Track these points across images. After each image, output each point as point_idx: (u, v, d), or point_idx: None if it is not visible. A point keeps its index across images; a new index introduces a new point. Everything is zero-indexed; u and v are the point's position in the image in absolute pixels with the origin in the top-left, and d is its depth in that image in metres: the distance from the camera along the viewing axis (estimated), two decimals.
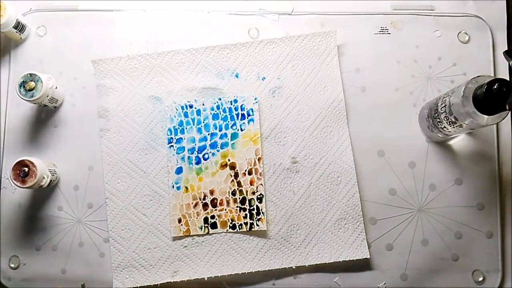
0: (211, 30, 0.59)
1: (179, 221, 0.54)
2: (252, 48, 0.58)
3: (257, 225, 0.54)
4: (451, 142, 0.57)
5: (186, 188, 0.55)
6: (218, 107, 0.56)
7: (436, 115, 0.51)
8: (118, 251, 0.54)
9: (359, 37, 0.59)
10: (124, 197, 0.55)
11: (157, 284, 0.54)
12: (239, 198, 0.54)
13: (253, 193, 0.55)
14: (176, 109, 0.56)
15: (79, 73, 0.58)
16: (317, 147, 0.56)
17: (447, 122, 0.50)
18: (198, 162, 0.55)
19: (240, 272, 0.54)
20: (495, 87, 0.43)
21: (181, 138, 0.56)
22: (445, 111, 0.50)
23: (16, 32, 0.57)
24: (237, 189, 0.55)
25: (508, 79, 0.46)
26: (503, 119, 0.46)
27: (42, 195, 0.56)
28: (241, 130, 0.56)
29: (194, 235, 0.54)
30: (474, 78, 0.46)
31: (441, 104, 0.50)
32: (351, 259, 0.54)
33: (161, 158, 0.56)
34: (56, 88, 0.56)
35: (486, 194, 0.56)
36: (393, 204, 0.56)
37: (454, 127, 0.50)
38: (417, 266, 0.55)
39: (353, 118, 0.57)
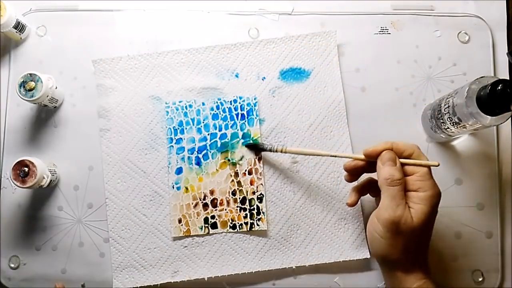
0: (211, 30, 0.59)
1: (179, 221, 0.54)
2: (252, 48, 0.58)
3: (258, 224, 0.54)
4: (453, 143, 0.57)
5: (186, 188, 0.55)
6: (218, 107, 0.56)
7: (440, 116, 0.51)
8: (118, 251, 0.54)
9: (359, 37, 0.59)
10: (124, 197, 0.55)
11: (157, 284, 0.54)
12: (239, 198, 0.54)
13: (253, 193, 0.55)
14: (176, 109, 0.56)
15: (79, 73, 0.58)
16: (317, 147, 0.56)
17: (450, 123, 0.50)
18: (198, 163, 0.55)
19: (240, 272, 0.54)
20: (499, 88, 0.43)
21: (181, 138, 0.56)
22: (448, 112, 0.50)
23: (16, 32, 0.57)
24: (237, 189, 0.55)
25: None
26: (506, 119, 0.46)
27: (42, 195, 0.56)
28: (241, 130, 0.56)
29: (194, 235, 0.54)
30: (477, 78, 0.46)
31: (445, 105, 0.50)
32: (351, 259, 0.54)
33: (161, 158, 0.56)
34: (56, 88, 0.56)
35: (486, 194, 0.56)
36: None
37: (457, 128, 0.50)
38: None
39: (353, 118, 0.57)
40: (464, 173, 0.56)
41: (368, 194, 0.51)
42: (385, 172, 0.44)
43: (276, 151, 0.51)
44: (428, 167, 0.44)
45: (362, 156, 0.46)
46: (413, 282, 0.44)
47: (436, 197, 0.43)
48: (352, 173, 0.48)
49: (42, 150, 0.57)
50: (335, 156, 0.50)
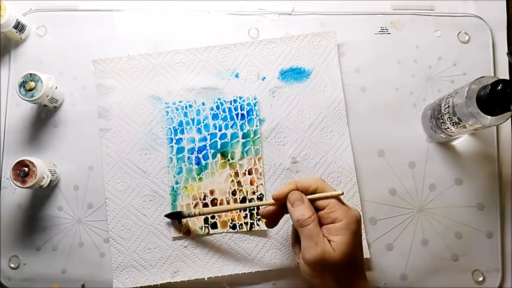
0: (211, 30, 0.59)
1: (179, 221, 0.54)
2: (252, 48, 0.58)
3: (258, 224, 0.54)
4: (453, 143, 0.57)
5: (186, 188, 0.55)
6: (217, 107, 0.56)
7: (440, 116, 0.51)
8: (118, 251, 0.54)
9: (359, 37, 0.59)
10: (124, 197, 0.55)
11: (157, 284, 0.54)
12: (239, 198, 0.54)
13: (253, 193, 0.55)
14: (176, 109, 0.56)
15: (79, 73, 0.58)
16: (317, 147, 0.56)
17: (450, 123, 0.50)
18: (198, 163, 0.55)
19: (240, 272, 0.54)
20: (499, 88, 0.43)
21: (181, 138, 0.56)
22: (448, 112, 0.49)
23: (16, 32, 0.57)
24: (237, 189, 0.55)
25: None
26: (506, 119, 0.46)
27: (42, 195, 0.56)
28: (241, 130, 0.56)
29: (194, 235, 0.54)
30: (477, 78, 0.46)
31: (445, 105, 0.50)
32: None
33: (161, 158, 0.56)
34: (56, 88, 0.56)
35: (486, 194, 0.56)
36: (393, 204, 0.56)
37: (457, 128, 0.50)
38: (417, 266, 0.55)
39: (353, 118, 0.57)
40: (464, 173, 0.56)
41: None
42: (295, 214, 0.43)
43: (195, 215, 0.52)
44: (337, 197, 0.44)
45: (273, 201, 0.46)
46: None
47: (353, 222, 0.42)
48: (270, 219, 0.47)
49: (42, 150, 0.57)
50: (247, 208, 0.53)
